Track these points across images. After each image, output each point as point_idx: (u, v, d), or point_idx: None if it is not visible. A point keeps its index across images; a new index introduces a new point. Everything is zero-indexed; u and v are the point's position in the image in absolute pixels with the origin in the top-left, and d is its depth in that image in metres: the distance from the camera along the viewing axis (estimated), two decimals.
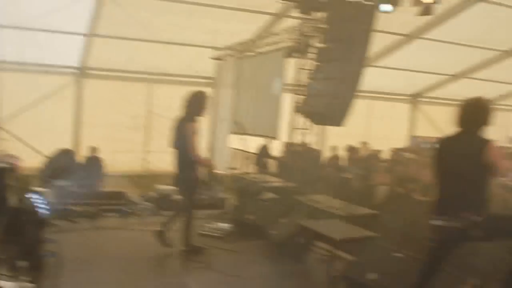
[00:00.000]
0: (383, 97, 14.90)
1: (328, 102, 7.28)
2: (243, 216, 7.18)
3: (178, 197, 6.59)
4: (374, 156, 11.37)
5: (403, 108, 15.55)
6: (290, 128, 9.22)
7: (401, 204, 8.64)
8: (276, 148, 12.10)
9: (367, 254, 4.91)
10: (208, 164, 6.01)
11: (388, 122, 14.75)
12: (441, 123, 15.47)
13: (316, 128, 9.96)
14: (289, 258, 5.93)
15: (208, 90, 11.90)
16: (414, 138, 15.42)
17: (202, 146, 12.12)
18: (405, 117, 15.60)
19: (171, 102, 11.08)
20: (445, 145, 3.96)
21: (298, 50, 8.54)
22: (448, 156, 3.83)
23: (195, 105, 5.94)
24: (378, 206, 9.08)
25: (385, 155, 12.07)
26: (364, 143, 12.24)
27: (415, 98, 15.53)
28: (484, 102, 3.87)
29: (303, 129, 8.76)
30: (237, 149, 12.00)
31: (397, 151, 11.94)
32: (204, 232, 6.87)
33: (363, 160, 10.92)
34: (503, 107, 16.16)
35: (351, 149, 11.21)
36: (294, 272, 5.71)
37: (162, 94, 11.99)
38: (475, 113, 3.77)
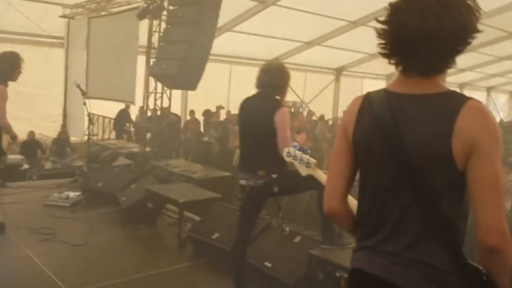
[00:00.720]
0: (242, 62, 15.21)
1: (179, 65, 7.24)
2: (94, 184, 6.94)
3: None
4: (231, 120, 11.62)
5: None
6: (145, 92, 9.01)
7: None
8: (135, 113, 11.83)
9: (212, 214, 5.07)
10: (10, 132, 5.47)
11: (247, 87, 15.09)
12: (297, 88, 16.31)
13: (176, 92, 9.88)
14: (139, 223, 5.89)
15: (58, 51, 11.31)
16: None
17: (55, 112, 11.54)
18: None
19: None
20: (244, 106, 3.92)
21: (151, 11, 8.31)
22: (245, 117, 3.85)
23: (4, 67, 5.39)
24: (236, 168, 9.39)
25: None
26: (220, 107, 12.42)
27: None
28: (281, 67, 3.88)
29: (158, 93, 8.62)
30: (96, 115, 11.53)
31: None
32: (49, 202, 6.53)
33: (220, 124, 11.11)
34: (351, 73, 17.50)
35: (208, 113, 11.34)
36: (144, 236, 5.68)
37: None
38: (272, 77, 3.74)
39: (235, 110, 13.27)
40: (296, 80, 16.13)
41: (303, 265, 3.71)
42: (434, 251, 1.55)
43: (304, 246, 3.94)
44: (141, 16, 8.56)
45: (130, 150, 8.93)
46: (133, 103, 9.38)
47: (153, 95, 8.85)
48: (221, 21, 12.26)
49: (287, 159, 2.53)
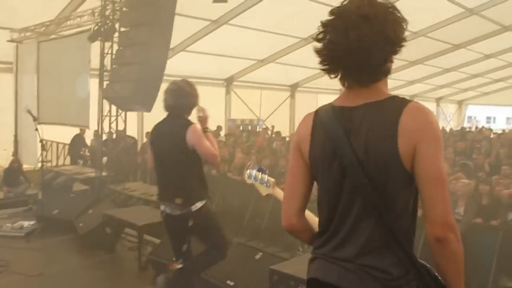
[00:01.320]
0: (198, 82, 15.16)
1: (133, 87, 7.19)
2: (49, 212, 6.75)
3: None
4: None
5: (219, 92, 16.08)
6: (99, 115, 8.85)
7: (217, 184, 9.01)
8: (90, 137, 11.59)
9: None
10: None
11: (205, 107, 15.09)
12: (253, 105, 16.46)
13: (131, 114, 9.75)
14: (98, 249, 5.76)
15: (7, 76, 10.99)
16: (230, 120, 16.12)
17: (6, 139, 11.15)
18: (221, 101, 16.14)
19: None
20: (155, 131, 3.74)
21: (102, 33, 8.23)
22: (157, 141, 3.64)
23: None
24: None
25: None
26: None
27: (228, 82, 16.14)
28: (182, 85, 3.65)
29: (113, 116, 8.50)
30: (49, 140, 11.22)
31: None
32: (2, 233, 6.30)
33: None
34: (305, 89, 17.81)
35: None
36: (104, 262, 5.57)
37: None
38: (176, 97, 3.55)
39: None
40: (251, 97, 16.39)
41: (265, 282, 3.71)
42: (386, 255, 1.61)
43: (265, 262, 3.95)
44: (92, 39, 8.46)
45: (86, 175, 8.73)
46: (88, 127, 9.18)
47: (108, 118, 8.71)
48: (174, 42, 12.32)
49: (248, 181, 2.52)
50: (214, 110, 15.00)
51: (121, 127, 8.89)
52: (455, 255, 1.58)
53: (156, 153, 3.67)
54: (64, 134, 10.78)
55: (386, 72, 1.71)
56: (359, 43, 1.60)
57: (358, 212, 1.66)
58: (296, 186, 1.83)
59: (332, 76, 1.72)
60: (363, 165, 1.62)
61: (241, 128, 16.22)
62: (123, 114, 8.68)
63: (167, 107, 3.62)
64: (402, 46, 1.68)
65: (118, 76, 7.48)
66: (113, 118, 8.63)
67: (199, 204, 3.48)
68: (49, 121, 10.02)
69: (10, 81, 10.78)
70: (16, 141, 10.98)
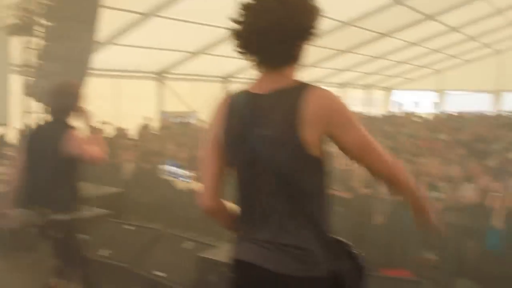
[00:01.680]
0: (129, 76, 14.92)
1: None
2: None
3: None
4: (120, 134, 11.39)
5: (150, 86, 15.84)
6: (22, 112, 8.51)
7: (146, 178, 8.94)
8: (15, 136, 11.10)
9: (100, 232, 4.95)
10: None
11: (137, 100, 14.85)
12: (187, 97, 16.35)
13: None
14: (21, 249, 5.54)
15: None
16: (163, 113, 15.94)
17: None
18: (153, 94, 15.91)
19: None
20: (33, 134, 3.60)
21: (23, 28, 7.91)
22: (33, 146, 3.44)
23: None
24: (126, 182, 9.22)
25: (133, 132, 12.26)
26: (105, 123, 12.11)
27: (160, 75, 15.93)
28: (69, 86, 3.54)
29: (37, 112, 8.21)
30: None
31: (143, 128, 12.19)
32: None
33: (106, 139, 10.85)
34: (240, 80, 17.87)
35: (93, 130, 10.97)
36: (26, 263, 5.37)
37: None
38: (60, 99, 3.43)
39: (126, 125, 13.10)
40: (185, 90, 16.26)
41: (194, 270, 3.77)
42: (303, 233, 1.72)
43: (194, 251, 4.00)
44: (13, 33, 8.12)
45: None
46: (4, 124, 8.79)
47: (33, 114, 8.40)
48: (103, 35, 12.03)
49: (166, 178, 2.52)
50: (145, 103, 14.99)
51: None
52: (404, 183, 1.82)
53: (29, 157, 3.45)
54: None
55: (295, 58, 1.81)
56: (271, 25, 1.69)
57: (271, 195, 1.76)
58: (210, 169, 1.91)
59: (250, 59, 1.80)
60: (271, 151, 1.72)
61: (178, 121, 16.04)
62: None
63: (51, 110, 3.48)
64: (311, 33, 1.77)
65: (43, 71, 7.23)
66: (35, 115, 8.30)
67: (64, 216, 3.31)
68: None
69: None
70: None
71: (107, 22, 11.46)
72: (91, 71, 13.32)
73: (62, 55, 6.96)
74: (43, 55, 7.33)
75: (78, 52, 6.94)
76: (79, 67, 6.99)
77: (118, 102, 14.51)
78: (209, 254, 3.71)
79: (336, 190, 6.85)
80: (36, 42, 7.66)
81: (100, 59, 13.08)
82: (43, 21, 7.65)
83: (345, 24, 13.16)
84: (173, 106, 16.17)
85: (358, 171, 7.12)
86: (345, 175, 7.29)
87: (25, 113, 8.43)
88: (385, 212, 6.55)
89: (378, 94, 24.19)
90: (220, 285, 3.69)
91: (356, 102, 21.24)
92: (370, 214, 6.63)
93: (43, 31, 7.51)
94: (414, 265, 6.28)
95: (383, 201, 6.58)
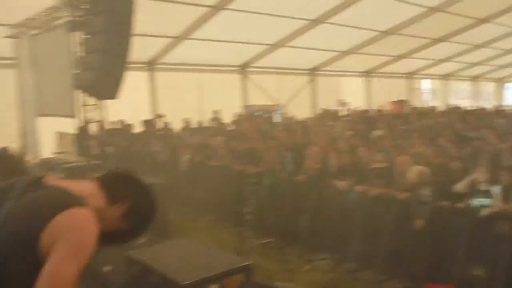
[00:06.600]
0: (213, 70, 15.05)
1: (96, 75, 7.13)
2: None
3: None
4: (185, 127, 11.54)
5: (234, 79, 15.85)
6: (81, 106, 8.90)
7: (198, 171, 8.88)
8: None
9: None
10: None
11: (218, 95, 14.91)
12: (270, 91, 16.10)
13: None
14: None
15: (8, 72, 11.30)
16: (246, 107, 15.85)
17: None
18: (236, 88, 15.91)
19: None
20: None
21: (77, 24, 8.23)
22: None
23: None
24: (181, 175, 9.27)
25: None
26: (159, 116, 12.32)
27: (244, 69, 15.86)
28: None
29: (92, 105, 8.54)
30: (60, 132, 11.48)
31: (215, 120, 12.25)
32: None
33: (161, 132, 11.09)
34: (328, 72, 17.24)
35: (147, 123, 11.25)
36: None
37: None
38: None
39: (206, 119, 13.26)
40: (268, 83, 16.01)
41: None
42: None
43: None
44: (72, 29, 8.50)
45: (67, 165, 8.87)
46: (73, 117, 9.25)
47: (87, 107, 8.75)
48: (176, 30, 12.27)
49: None
50: (230, 97, 15.00)
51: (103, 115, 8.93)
52: None
53: None
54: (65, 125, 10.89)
55: None
56: None
57: None
58: None
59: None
60: None
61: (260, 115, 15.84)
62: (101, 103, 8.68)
63: None
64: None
65: (84, 64, 7.46)
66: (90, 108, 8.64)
67: None
68: (46, 113, 10.28)
69: (12, 77, 11.08)
70: (21, 135, 11.30)
71: (185, 17, 11.71)
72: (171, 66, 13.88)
73: (99, 48, 7.08)
74: (85, 48, 7.55)
75: (114, 45, 7.00)
76: (115, 59, 7.05)
77: (201, 95, 14.72)
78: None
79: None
80: (82, 36, 7.90)
81: (182, 53, 13.42)
82: (87, 16, 7.87)
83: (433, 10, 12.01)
84: (257, 99, 16.00)
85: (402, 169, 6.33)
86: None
87: (84, 106, 8.78)
88: (426, 217, 5.70)
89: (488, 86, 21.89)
90: None
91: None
92: (410, 219, 5.83)
93: (86, 25, 7.72)
94: (461, 282, 5.44)
95: (424, 205, 5.75)
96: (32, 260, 1.39)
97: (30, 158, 10.73)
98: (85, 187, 1.61)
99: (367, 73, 18.37)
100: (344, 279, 5.20)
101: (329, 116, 14.58)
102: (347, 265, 5.63)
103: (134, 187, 1.74)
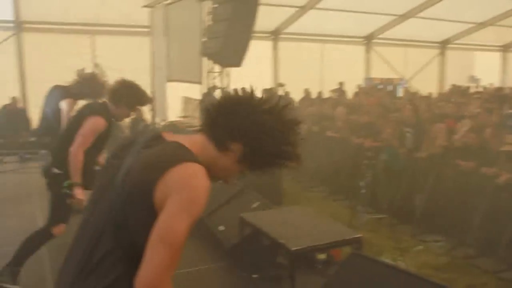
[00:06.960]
0: (335, 40, 14.83)
1: (222, 42, 7.40)
2: None
3: None
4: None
5: (358, 51, 15.46)
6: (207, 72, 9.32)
7: (315, 141, 8.91)
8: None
9: None
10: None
11: (339, 65, 14.67)
12: (395, 64, 15.48)
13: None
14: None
15: (145, 39, 12.16)
16: (368, 79, 15.44)
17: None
18: (359, 59, 15.52)
19: (114, 54, 11.30)
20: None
21: None
22: None
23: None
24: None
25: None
26: (280, 84, 12.30)
27: (368, 40, 15.39)
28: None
29: (216, 72, 8.89)
30: (186, 97, 12.19)
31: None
32: None
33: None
34: (458, 46, 16.08)
35: (268, 91, 11.35)
36: None
37: (104, 45, 12.01)
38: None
39: (326, 90, 13.16)
40: (394, 56, 15.40)
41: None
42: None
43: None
44: None
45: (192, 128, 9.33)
46: (200, 83, 9.74)
47: (212, 74, 9.13)
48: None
49: None
50: (352, 69, 14.71)
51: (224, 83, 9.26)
52: None
53: None
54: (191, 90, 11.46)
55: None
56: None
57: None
58: None
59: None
60: None
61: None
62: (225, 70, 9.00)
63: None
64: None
65: (211, 32, 7.77)
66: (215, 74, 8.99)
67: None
68: (175, 78, 10.91)
69: (147, 44, 11.90)
70: (152, 98, 12.14)
71: None
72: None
73: (226, 17, 7.32)
74: (213, 17, 7.85)
75: (240, 14, 7.19)
76: (242, 27, 7.25)
77: (323, 66, 14.63)
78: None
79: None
80: (211, 5, 8.20)
81: (306, 23, 13.41)
82: None
83: None
84: (381, 72, 15.51)
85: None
86: None
87: (209, 73, 9.19)
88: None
89: None
90: None
91: None
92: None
93: None
94: None
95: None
96: (148, 213, 1.46)
97: (158, 120, 11.56)
98: (196, 140, 1.63)
99: (505, 48, 16.82)
100: (458, 264, 4.94)
101: (458, 92, 13.66)
102: (464, 250, 5.35)
103: (242, 126, 1.58)
